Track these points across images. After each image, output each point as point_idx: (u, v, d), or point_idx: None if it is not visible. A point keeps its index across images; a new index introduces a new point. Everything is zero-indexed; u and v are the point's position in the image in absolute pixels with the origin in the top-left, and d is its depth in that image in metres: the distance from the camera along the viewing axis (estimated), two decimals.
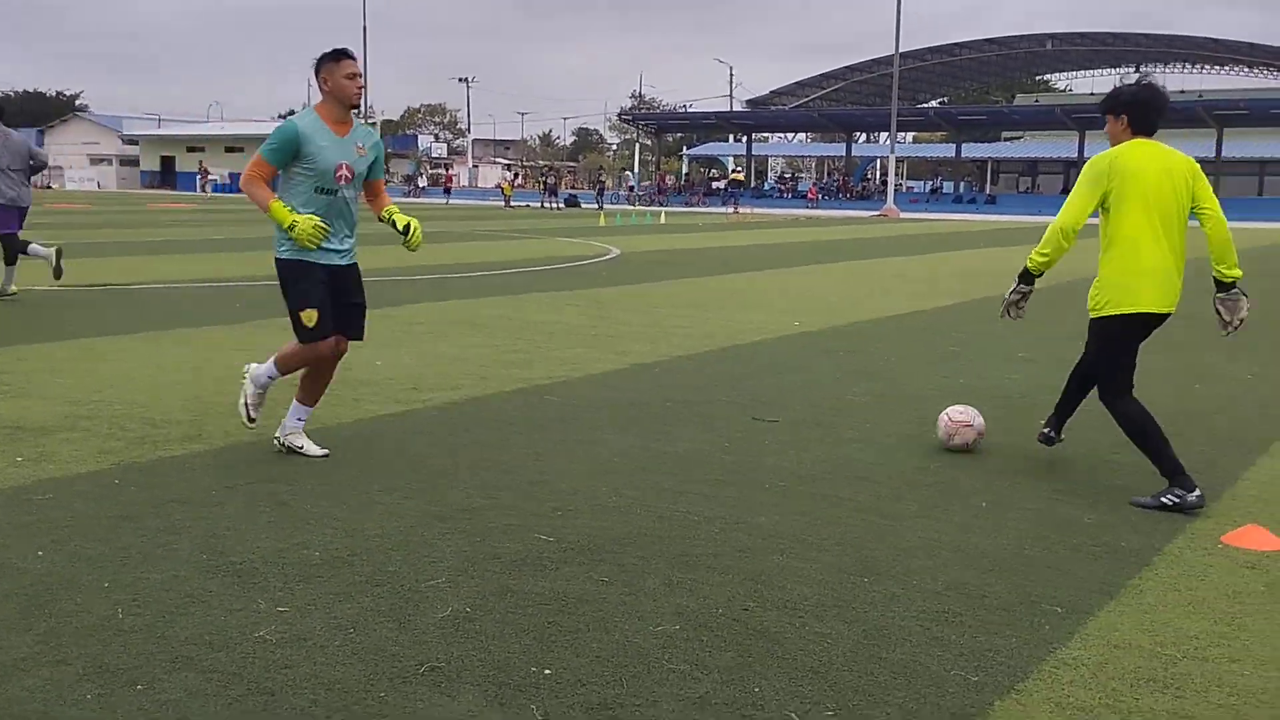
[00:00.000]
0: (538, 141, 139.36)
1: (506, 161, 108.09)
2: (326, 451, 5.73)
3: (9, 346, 8.90)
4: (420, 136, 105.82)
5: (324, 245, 5.44)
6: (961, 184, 78.70)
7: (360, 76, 5.52)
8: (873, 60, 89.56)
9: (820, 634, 3.68)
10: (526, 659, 3.43)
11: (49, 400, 6.88)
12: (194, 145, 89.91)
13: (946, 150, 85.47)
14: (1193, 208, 5.25)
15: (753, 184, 77.26)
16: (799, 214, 57.31)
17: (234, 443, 5.95)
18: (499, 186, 69.32)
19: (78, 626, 3.56)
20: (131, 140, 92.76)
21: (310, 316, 5.45)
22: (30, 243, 12.38)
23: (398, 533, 4.56)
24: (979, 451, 6.16)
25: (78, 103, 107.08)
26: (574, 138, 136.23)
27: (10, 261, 12.14)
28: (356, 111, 5.59)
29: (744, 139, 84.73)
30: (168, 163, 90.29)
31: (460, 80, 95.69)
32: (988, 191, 77.44)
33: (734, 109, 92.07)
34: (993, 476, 5.69)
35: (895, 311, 13.07)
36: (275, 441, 5.80)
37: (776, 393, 7.81)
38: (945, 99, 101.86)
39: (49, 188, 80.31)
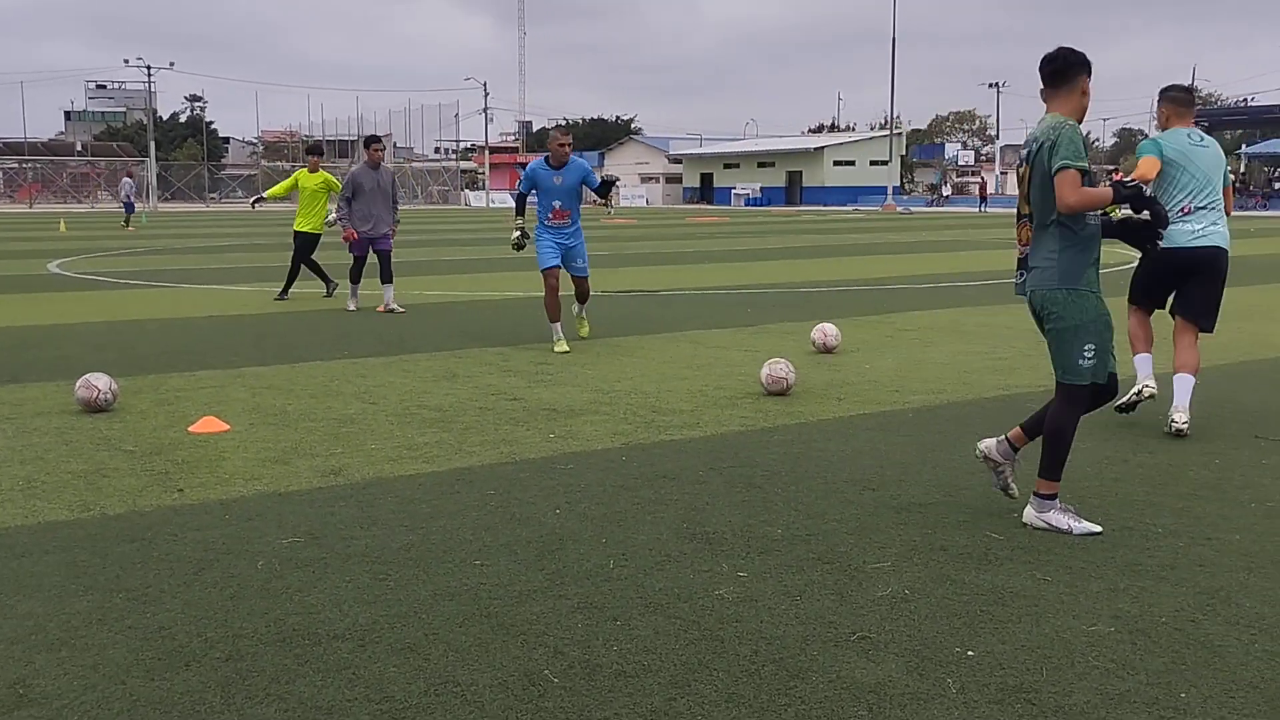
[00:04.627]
0: None
1: None
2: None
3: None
4: (947, 145, 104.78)
5: None
6: None
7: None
8: None
9: (1271, 652, 3.54)
10: (952, 640, 3.64)
11: (579, 388, 8.00)
12: (730, 162, 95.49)
13: None
14: None
15: None
16: None
17: (724, 432, 6.61)
18: None
19: (577, 571, 4.29)
20: (676, 159, 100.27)
21: None
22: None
23: (854, 519, 4.91)
24: None
25: (633, 126, 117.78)
26: (1114, 139, 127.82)
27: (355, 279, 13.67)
28: None
29: None
30: (706, 179, 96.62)
31: (990, 85, 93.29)
32: None
33: None
34: None
35: None
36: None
37: None
38: None
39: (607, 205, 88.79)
